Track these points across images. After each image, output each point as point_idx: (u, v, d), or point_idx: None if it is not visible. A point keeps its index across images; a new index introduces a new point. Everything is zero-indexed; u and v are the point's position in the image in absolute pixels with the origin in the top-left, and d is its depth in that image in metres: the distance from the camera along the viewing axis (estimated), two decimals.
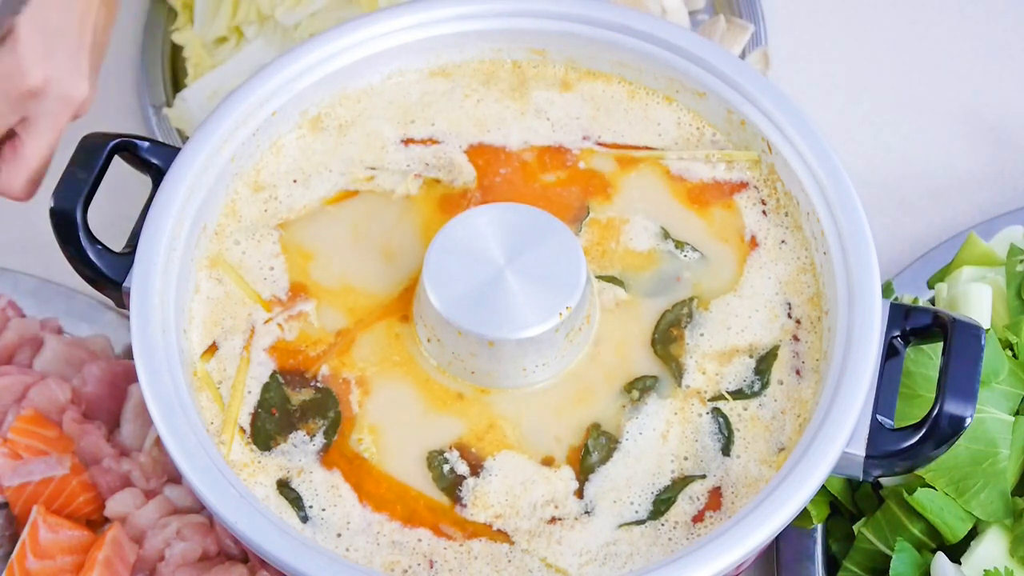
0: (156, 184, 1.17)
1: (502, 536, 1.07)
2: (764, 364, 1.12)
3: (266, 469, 1.09)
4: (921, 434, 1.05)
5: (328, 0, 1.47)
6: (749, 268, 1.17)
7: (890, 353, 1.10)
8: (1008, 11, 1.64)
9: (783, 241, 1.18)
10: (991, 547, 1.17)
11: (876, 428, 1.06)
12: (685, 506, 1.07)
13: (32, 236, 1.44)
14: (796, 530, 1.24)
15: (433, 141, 1.23)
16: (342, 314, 1.15)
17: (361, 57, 1.24)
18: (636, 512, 1.07)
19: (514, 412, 1.11)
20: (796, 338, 1.14)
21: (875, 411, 1.07)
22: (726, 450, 1.09)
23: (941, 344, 1.08)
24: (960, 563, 1.17)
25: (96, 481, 1.27)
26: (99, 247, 1.14)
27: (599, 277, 1.16)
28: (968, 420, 1.05)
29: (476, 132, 1.24)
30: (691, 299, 1.15)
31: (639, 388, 1.11)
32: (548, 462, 1.09)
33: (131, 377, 1.33)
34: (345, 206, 1.20)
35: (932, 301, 1.34)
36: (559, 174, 1.21)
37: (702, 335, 1.14)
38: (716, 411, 1.11)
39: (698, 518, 1.07)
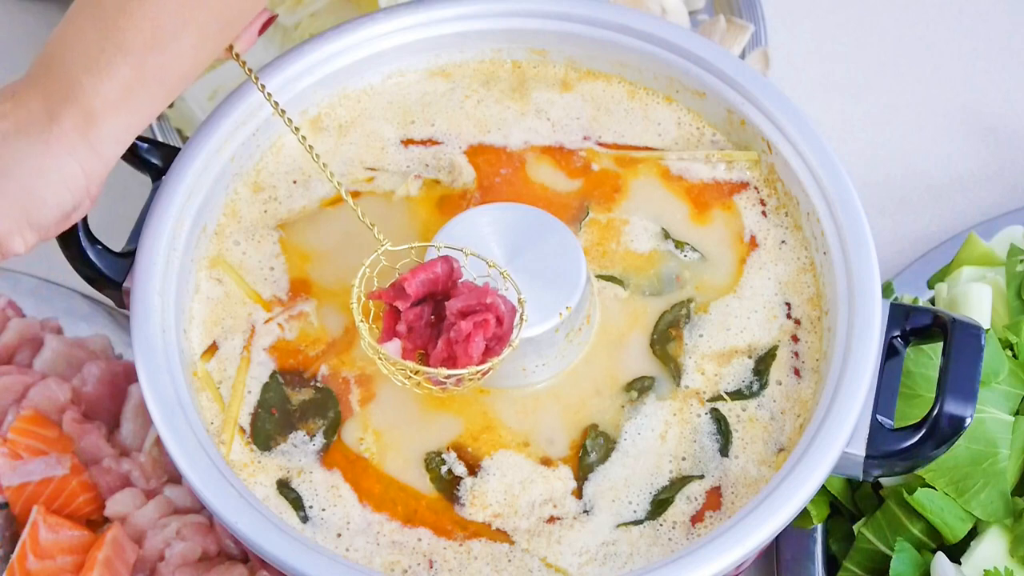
0: (156, 184, 1.17)
1: (502, 536, 1.07)
2: (763, 365, 1.12)
3: (266, 469, 1.09)
4: (921, 434, 1.05)
5: (328, 0, 1.47)
6: (749, 268, 1.17)
7: (890, 353, 1.10)
8: (1008, 11, 1.64)
9: (783, 241, 1.18)
10: (991, 547, 1.17)
11: (876, 428, 1.06)
12: (683, 506, 1.07)
13: None
14: (796, 530, 1.24)
15: (433, 142, 1.23)
16: (342, 314, 1.15)
17: (361, 57, 1.24)
18: (635, 512, 1.07)
19: (513, 412, 1.11)
20: (795, 338, 1.14)
21: (875, 411, 1.07)
22: (724, 451, 1.09)
23: (941, 344, 1.08)
24: (960, 563, 1.17)
25: (96, 481, 1.27)
26: (99, 247, 1.14)
27: (598, 276, 1.16)
28: (968, 420, 1.05)
29: (476, 132, 1.24)
30: (690, 300, 1.15)
31: (637, 388, 1.11)
32: (546, 462, 1.09)
33: (131, 377, 1.33)
34: (345, 207, 1.20)
35: (932, 301, 1.34)
36: (559, 174, 1.21)
37: (701, 336, 1.14)
38: (714, 412, 1.11)
39: (698, 518, 1.07)
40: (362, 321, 1.07)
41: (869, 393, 1.07)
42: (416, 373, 1.06)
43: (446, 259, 1.07)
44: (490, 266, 1.09)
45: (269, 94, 1.15)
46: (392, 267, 1.10)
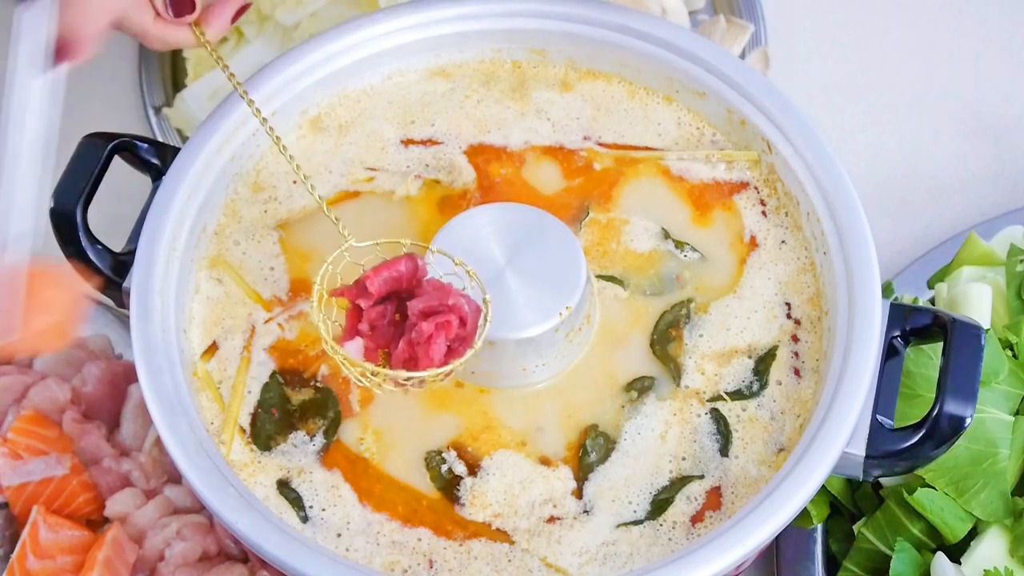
0: (156, 184, 1.17)
1: (502, 536, 1.07)
2: (762, 365, 1.12)
3: (266, 469, 1.09)
4: (921, 434, 1.05)
5: (328, 0, 1.47)
6: (749, 268, 1.17)
7: (890, 353, 1.10)
8: (1008, 11, 1.64)
9: (783, 241, 1.18)
10: (991, 547, 1.17)
11: (876, 428, 1.06)
12: (683, 506, 1.07)
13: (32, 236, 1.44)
14: (796, 530, 1.24)
15: (433, 142, 1.23)
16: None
17: (361, 57, 1.24)
18: (635, 512, 1.07)
19: (512, 412, 1.11)
20: (795, 338, 1.14)
21: (875, 411, 1.07)
22: (724, 451, 1.09)
23: (941, 344, 1.08)
24: (960, 563, 1.17)
25: (96, 481, 1.27)
26: (99, 247, 1.14)
27: (599, 276, 1.16)
28: (968, 420, 1.05)
29: (476, 132, 1.24)
30: (690, 300, 1.15)
31: (637, 388, 1.11)
32: (546, 462, 1.09)
33: (131, 377, 1.33)
34: (345, 207, 1.20)
35: (932, 301, 1.34)
36: (559, 175, 1.21)
37: (701, 336, 1.14)
38: (714, 412, 1.11)
39: (698, 518, 1.07)
40: (323, 321, 1.06)
41: (869, 393, 1.07)
42: (375, 374, 1.04)
43: (410, 257, 1.06)
44: (456, 264, 1.08)
45: (230, 73, 1.14)
46: (358, 264, 1.09)
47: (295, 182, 1.21)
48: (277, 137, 1.13)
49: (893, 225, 1.50)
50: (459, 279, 1.07)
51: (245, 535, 1.02)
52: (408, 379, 1.03)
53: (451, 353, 1.04)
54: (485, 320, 1.05)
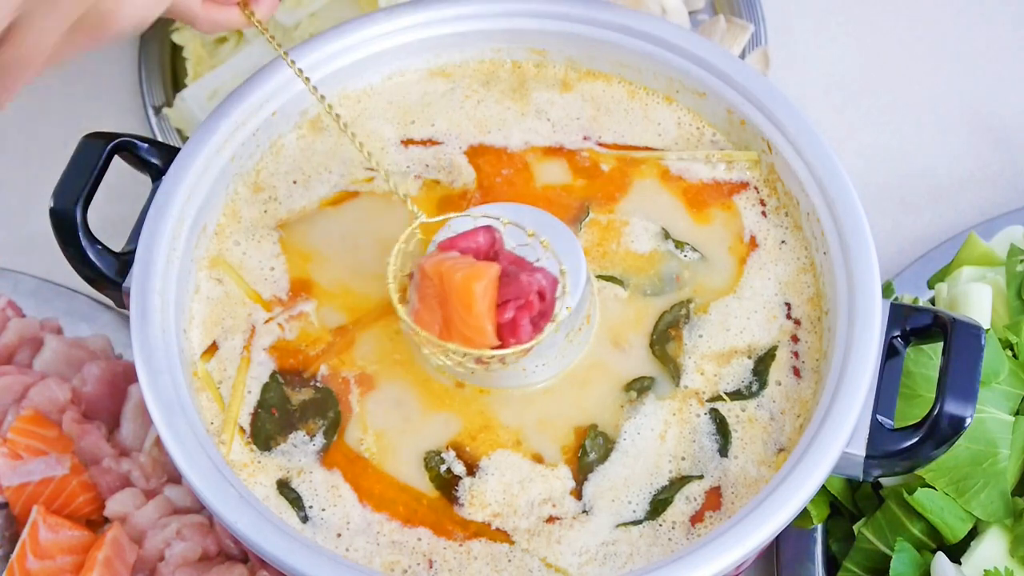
0: (156, 184, 1.17)
1: (502, 536, 1.07)
2: (762, 365, 1.12)
3: (266, 469, 1.09)
4: (921, 434, 1.05)
5: (328, 0, 1.47)
6: (749, 269, 1.17)
7: (890, 353, 1.10)
8: (1008, 11, 1.64)
9: (783, 241, 1.18)
10: (991, 547, 1.17)
11: (876, 428, 1.06)
12: (682, 506, 1.07)
13: (32, 236, 1.44)
14: (796, 530, 1.24)
15: (433, 142, 1.23)
16: (342, 314, 1.15)
17: (361, 57, 1.24)
18: (634, 512, 1.07)
19: (512, 412, 1.11)
20: (795, 338, 1.14)
21: (875, 411, 1.07)
22: (723, 451, 1.09)
23: (941, 344, 1.09)
24: (960, 563, 1.17)
25: (96, 481, 1.27)
26: (99, 247, 1.14)
27: (598, 276, 1.16)
28: (968, 420, 1.05)
29: (476, 133, 1.24)
30: (690, 300, 1.15)
31: (637, 388, 1.11)
32: (545, 461, 1.09)
33: (131, 377, 1.33)
34: (345, 207, 1.20)
35: (932, 301, 1.34)
36: (559, 175, 1.21)
37: (701, 336, 1.14)
38: (714, 412, 1.11)
39: (698, 518, 1.07)
40: (400, 302, 1.06)
41: (869, 393, 1.07)
42: (456, 353, 1.05)
43: (488, 229, 1.06)
44: (529, 235, 1.08)
45: (277, 43, 1.14)
46: (428, 241, 1.09)
47: (295, 182, 1.21)
48: (329, 105, 1.13)
49: (893, 225, 1.50)
50: (532, 250, 1.07)
51: (245, 535, 1.02)
52: (491, 358, 1.04)
53: (535, 327, 1.05)
54: (563, 291, 1.06)
